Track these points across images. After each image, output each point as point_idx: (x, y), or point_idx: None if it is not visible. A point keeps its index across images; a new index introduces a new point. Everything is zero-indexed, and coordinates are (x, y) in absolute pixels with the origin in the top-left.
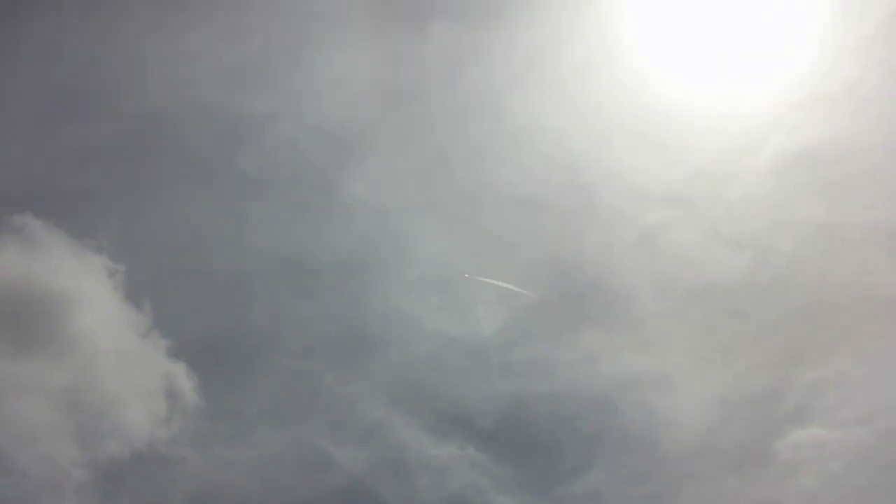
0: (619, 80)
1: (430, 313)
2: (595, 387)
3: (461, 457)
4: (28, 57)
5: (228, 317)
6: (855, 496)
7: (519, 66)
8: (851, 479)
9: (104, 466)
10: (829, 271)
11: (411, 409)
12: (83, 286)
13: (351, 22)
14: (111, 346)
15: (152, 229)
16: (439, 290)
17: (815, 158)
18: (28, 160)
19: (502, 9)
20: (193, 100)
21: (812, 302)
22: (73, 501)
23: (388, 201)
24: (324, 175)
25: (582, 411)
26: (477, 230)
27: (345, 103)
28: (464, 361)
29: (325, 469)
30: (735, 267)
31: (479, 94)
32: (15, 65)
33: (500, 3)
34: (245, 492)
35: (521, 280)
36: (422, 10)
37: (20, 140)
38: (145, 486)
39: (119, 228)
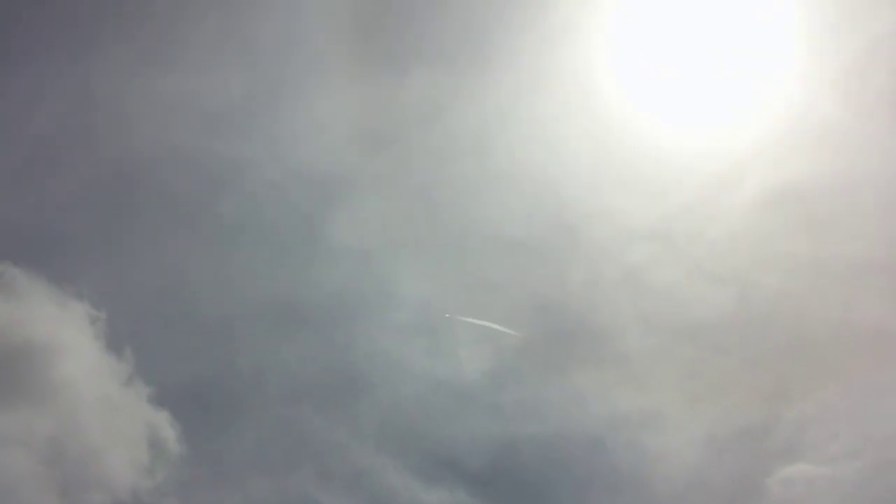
0: (599, 121)
1: (416, 356)
2: (584, 426)
3: (452, 502)
4: (5, 104)
5: (212, 363)
6: None
7: (500, 109)
8: None
9: None
10: (813, 306)
11: (400, 453)
12: (63, 334)
13: (331, 68)
14: (92, 395)
15: (133, 276)
16: (425, 332)
17: (797, 194)
18: (6, 208)
19: (482, 53)
20: (175, 146)
21: (797, 337)
22: None
23: (371, 244)
24: (306, 219)
25: (572, 452)
26: (461, 271)
27: (326, 148)
28: (452, 404)
29: None
30: (719, 303)
31: (461, 136)
32: None
33: (479, 48)
34: None
35: (507, 320)
36: (402, 54)
37: None
38: None
39: (100, 275)
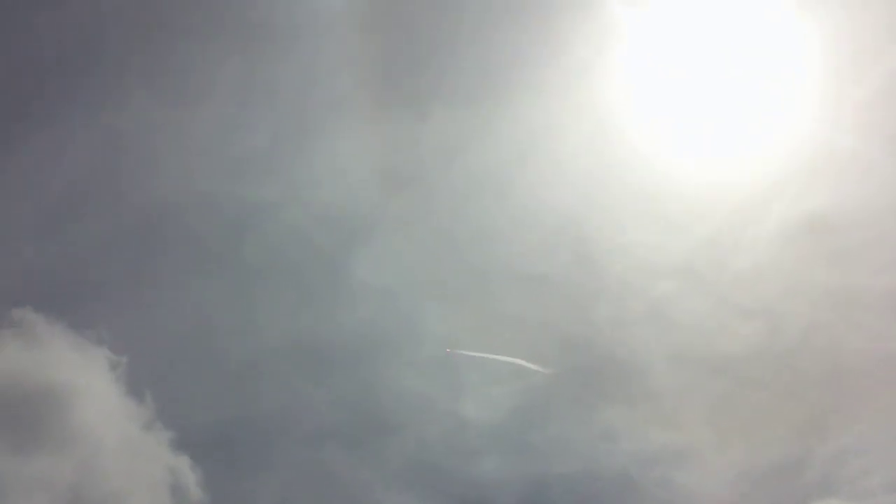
0: (620, 156)
1: (442, 394)
2: (615, 464)
3: None
4: (30, 151)
5: (235, 406)
6: None
7: (520, 146)
8: None
9: None
10: (843, 337)
11: (428, 494)
12: (83, 379)
13: (352, 109)
14: (113, 440)
15: (154, 320)
16: (450, 369)
17: (822, 224)
18: (27, 253)
19: (501, 91)
20: (197, 190)
21: (828, 368)
22: None
23: (395, 283)
24: (330, 260)
25: (602, 490)
26: (485, 308)
27: (348, 189)
28: (480, 443)
29: None
30: (748, 336)
31: (482, 174)
32: (16, 159)
33: (498, 86)
34: None
35: (532, 357)
36: (421, 95)
37: (20, 234)
38: None
39: (120, 320)
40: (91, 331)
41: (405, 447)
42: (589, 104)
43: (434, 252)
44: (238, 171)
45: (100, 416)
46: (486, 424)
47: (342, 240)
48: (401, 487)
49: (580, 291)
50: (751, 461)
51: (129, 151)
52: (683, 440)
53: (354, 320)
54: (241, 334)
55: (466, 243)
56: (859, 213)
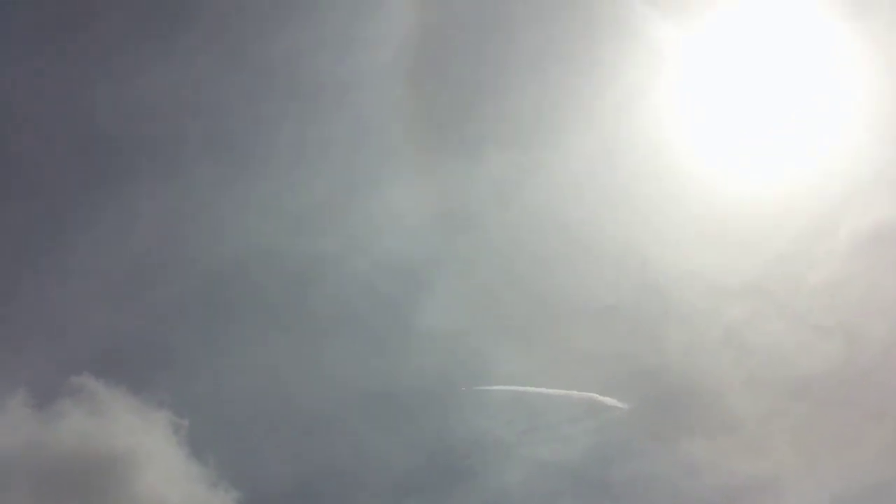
0: (678, 179)
1: (517, 436)
2: (701, 500)
3: None
4: (95, 222)
5: (304, 462)
6: None
7: (576, 178)
8: None
9: None
10: None
11: None
12: (147, 443)
13: (404, 157)
14: (178, 503)
15: (217, 379)
16: (524, 410)
17: (891, 233)
18: (85, 321)
19: (552, 127)
20: (259, 249)
21: None
22: None
23: (462, 325)
24: (395, 307)
25: None
26: (555, 344)
27: (408, 234)
28: (559, 484)
29: None
30: (828, 354)
31: (540, 209)
32: (82, 230)
33: (549, 121)
34: None
35: (606, 391)
36: (472, 137)
37: (79, 302)
38: None
39: (182, 381)
40: (152, 394)
41: (485, 494)
42: (642, 130)
43: (498, 291)
44: (299, 227)
45: (164, 480)
46: (565, 465)
47: (406, 286)
48: None
49: (650, 320)
50: (843, 484)
51: (191, 217)
52: (770, 468)
53: (423, 366)
54: (308, 388)
55: (530, 280)
56: None
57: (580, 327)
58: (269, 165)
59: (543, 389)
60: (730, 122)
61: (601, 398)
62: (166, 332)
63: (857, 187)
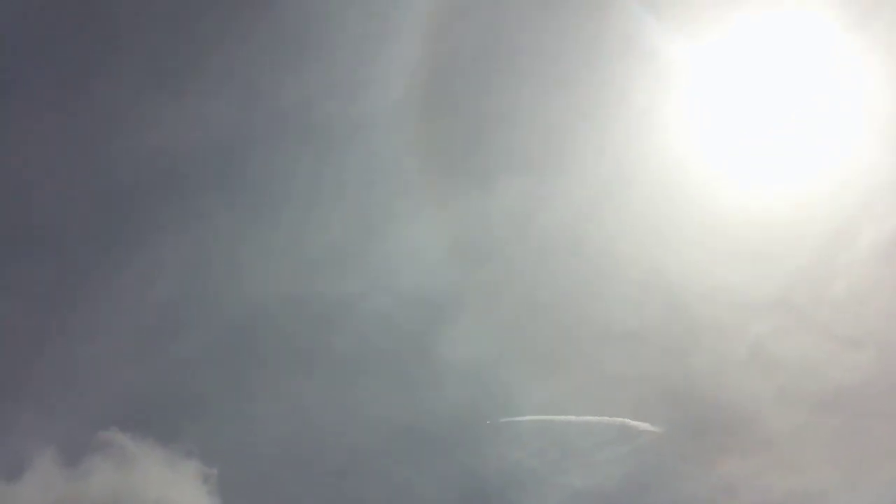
0: (695, 197)
1: (550, 465)
2: None
3: None
4: (118, 276)
5: None
6: None
7: (592, 202)
8: None
9: None
10: None
11: None
12: (176, 494)
13: (418, 192)
14: None
15: (245, 426)
16: (555, 439)
17: None
18: (111, 376)
19: (564, 152)
20: (279, 294)
21: None
22: None
23: (486, 357)
24: (419, 342)
25: None
26: (581, 371)
27: (427, 269)
28: None
29: None
30: (858, 366)
31: (557, 235)
32: (103, 284)
33: (560, 147)
34: None
35: (636, 415)
36: (485, 168)
37: (102, 357)
38: None
39: (210, 430)
40: (180, 444)
41: None
42: (656, 149)
43: (521, 320)
44: (318, 269)
45: None
46: (600, 492)
47: (429, 320)
48: None
49: (676, 341)
50: (885, 498)
51: (211, 266)
52: (808, 483)
53: (451, 400)
54: (336, 430)
55: (552, 307)
56: None
57: (606, 352)
58: (285, 209)
59: (573, 417)
60: (744, 136)
61: (632, 422)
62: (191, 382)
63: (874, 196)
